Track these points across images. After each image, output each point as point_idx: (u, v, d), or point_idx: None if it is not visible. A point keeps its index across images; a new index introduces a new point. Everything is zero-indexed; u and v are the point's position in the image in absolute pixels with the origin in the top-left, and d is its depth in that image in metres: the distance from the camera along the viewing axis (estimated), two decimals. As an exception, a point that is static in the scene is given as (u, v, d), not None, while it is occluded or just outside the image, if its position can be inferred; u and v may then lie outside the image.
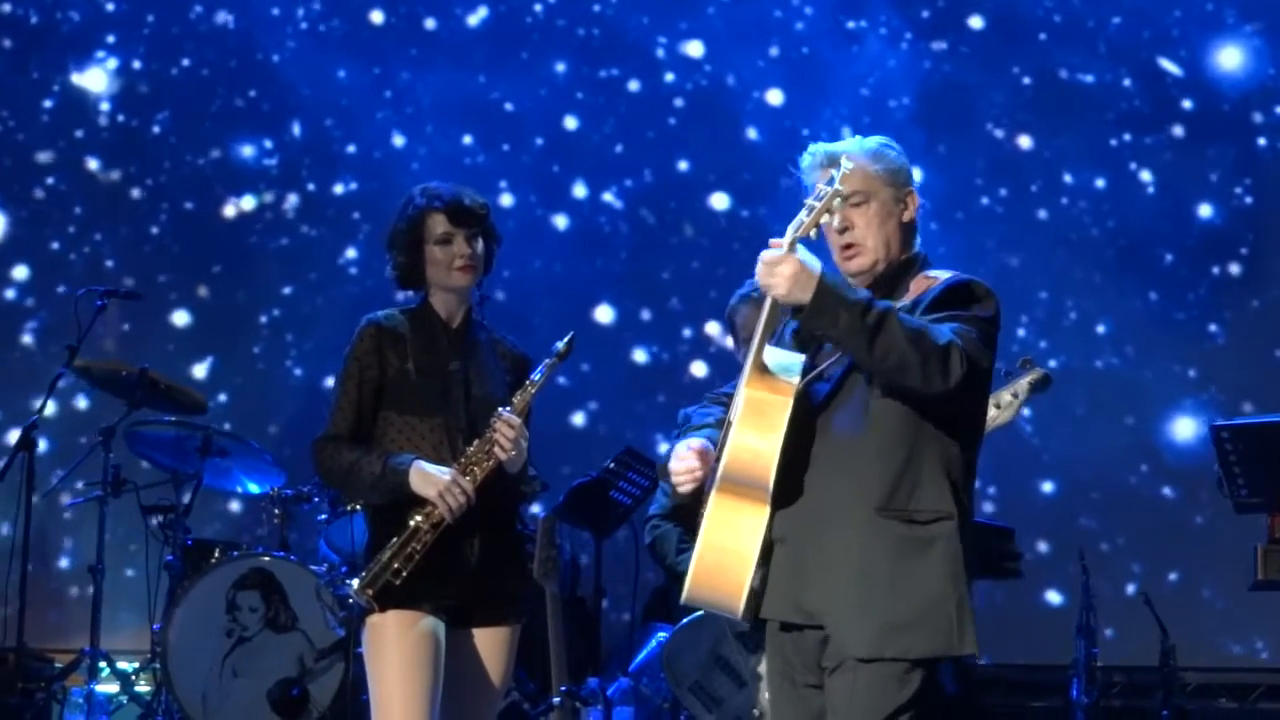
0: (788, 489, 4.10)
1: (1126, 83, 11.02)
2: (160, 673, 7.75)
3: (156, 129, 11.63)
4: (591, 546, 8.81)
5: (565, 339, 5.15)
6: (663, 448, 8.95)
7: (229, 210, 11.56)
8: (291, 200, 11.58)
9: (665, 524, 6.05)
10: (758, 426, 4.04)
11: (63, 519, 9.98)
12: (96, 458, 8.38)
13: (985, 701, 8.49)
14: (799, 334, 4.29)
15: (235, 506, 10.29)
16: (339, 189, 11.57)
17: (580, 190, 11.40)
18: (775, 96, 11.22)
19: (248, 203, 11.53)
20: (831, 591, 4.13)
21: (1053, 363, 10.27)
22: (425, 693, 5.01)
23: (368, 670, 5.08)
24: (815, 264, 4.05)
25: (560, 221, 11.35)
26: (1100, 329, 10.82)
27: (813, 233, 4.08)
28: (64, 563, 9.91)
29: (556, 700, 5.44)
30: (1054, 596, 10.22)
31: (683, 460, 4.23)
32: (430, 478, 5.02)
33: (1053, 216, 11.00)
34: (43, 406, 8.11)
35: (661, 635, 7.39)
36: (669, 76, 11.33)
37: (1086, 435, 10.31)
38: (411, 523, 5.00)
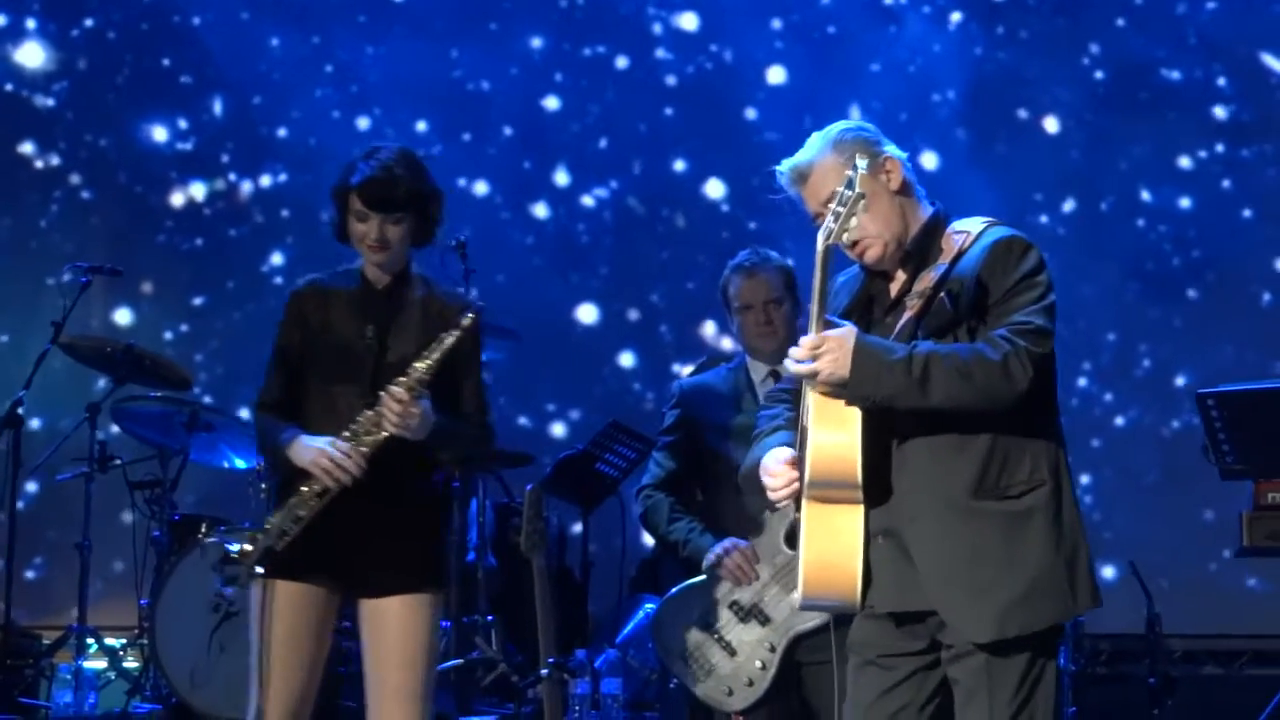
0: (876, 485, 4.39)
1: (1221, 82, 10.75)
2: (148, 648, 8.21)
3: (51, 102, 11.28)
4: (579, 519, 9.46)
5: (470, 314, 5.42)
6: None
7: (129, 202, 11.23)
8: (208, 191, 11.28)
9: (658, 494, 6.34)
10: (833, 425, 4.32)
11: (49, 495, 10.27)
12: (83, 434, 8.87)
13: None
14: (850, 315, 4.54)
15: (221, 481, 10.14)
16: (266, 180, 11.26)
17: (556, 187, 11.22)
18: (785, 81, 11.05)
19: (156, 194, 11.21)
20: (942, 578, 4.40)
21: (1120, 420, 10.32)
22: (304, 662, 5.37)
23: (250, 634, 5.41)
24: (847, 335, 4.30)
25: (532, 224, 11.21)
26: (1179, 381, 10.54)
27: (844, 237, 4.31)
28: (51, 539, 10.26)
29: (544, 672, 5.71)
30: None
31: (778, 477, 4.50)
32: (306, 448, 5.33)
33: (1126, 242, 10.70)
34: (28, 383, 8.55)
35: (649, 607, 7.94)
36: (661, 54, 11.18)
37: (1155, 508, 10.13)
38: (303, 489, 5.31)
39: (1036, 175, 10.78)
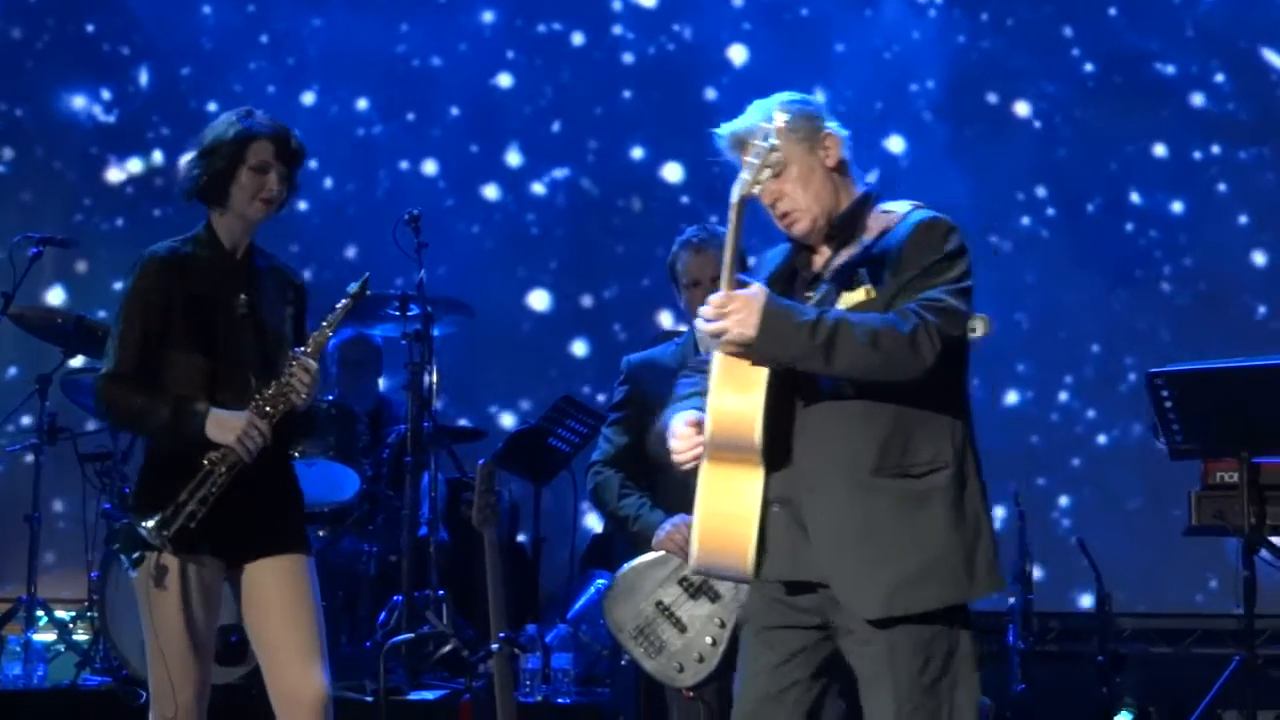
0: (779, 452, 4.54)
1: (1219, 78, 10.75)
2: (98, 621, 8.39)
3: None
4: (531, 494, 9.68)
5: (360, 280, 5.62)
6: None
7: (46, 179, 11.11)
8: (132, 169, 11.16)
9: (607, 470, 6.51)
10: (735, 387, 4.47)
11: None
12: (32, 405, 9.09)
13: None
14: (772, 286, 4.67)
15: None
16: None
17: (507, 170, 11.19)
18: (751, 64, 11.01)
19: (75, 170, 11.09)
20: (835, 553, 4.56)
21: (1102, 438, 10.38)
22: (202, 634, 5.53)
23: (143, 610, 5.54)
24: (757, 294, 4.45)
25: (480, 209, 11.14)
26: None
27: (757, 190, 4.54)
28: (0, 510, 10.20)
29: (495, 646, 5.88)
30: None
31: (683, 439, 4.62)
32: (226, 423, 5.45)
33: (1114, 247, 10.67)
34: None
35: (600, 582, 8.25)
36: (619, 31, 11.22)
37: (1139, 532, 10.11)
38: (206, 463, 5.43)
39: (1019, 173, 10.76)
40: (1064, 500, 10.24)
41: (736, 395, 4.47)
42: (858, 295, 4.59)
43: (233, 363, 5.56)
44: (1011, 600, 8.60)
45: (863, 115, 10.55)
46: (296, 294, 5.80)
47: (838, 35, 10.80)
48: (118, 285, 10.48)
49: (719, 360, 4.51)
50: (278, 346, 5.62)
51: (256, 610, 5.62)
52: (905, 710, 4.57)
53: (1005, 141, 10.73)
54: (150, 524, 5.40)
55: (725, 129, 4.79)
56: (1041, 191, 10.74)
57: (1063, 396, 10.56)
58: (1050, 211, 10.74)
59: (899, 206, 4.79)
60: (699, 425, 4.61)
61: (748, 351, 4.46)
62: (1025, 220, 10.71)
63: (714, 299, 4.46)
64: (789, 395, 4.56)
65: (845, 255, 4.68)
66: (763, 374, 4.48)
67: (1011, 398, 10.53)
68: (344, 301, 5.61)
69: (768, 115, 4.69)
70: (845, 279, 4.63)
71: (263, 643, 5.63)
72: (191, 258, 5.59)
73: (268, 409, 5.49)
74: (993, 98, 10.82)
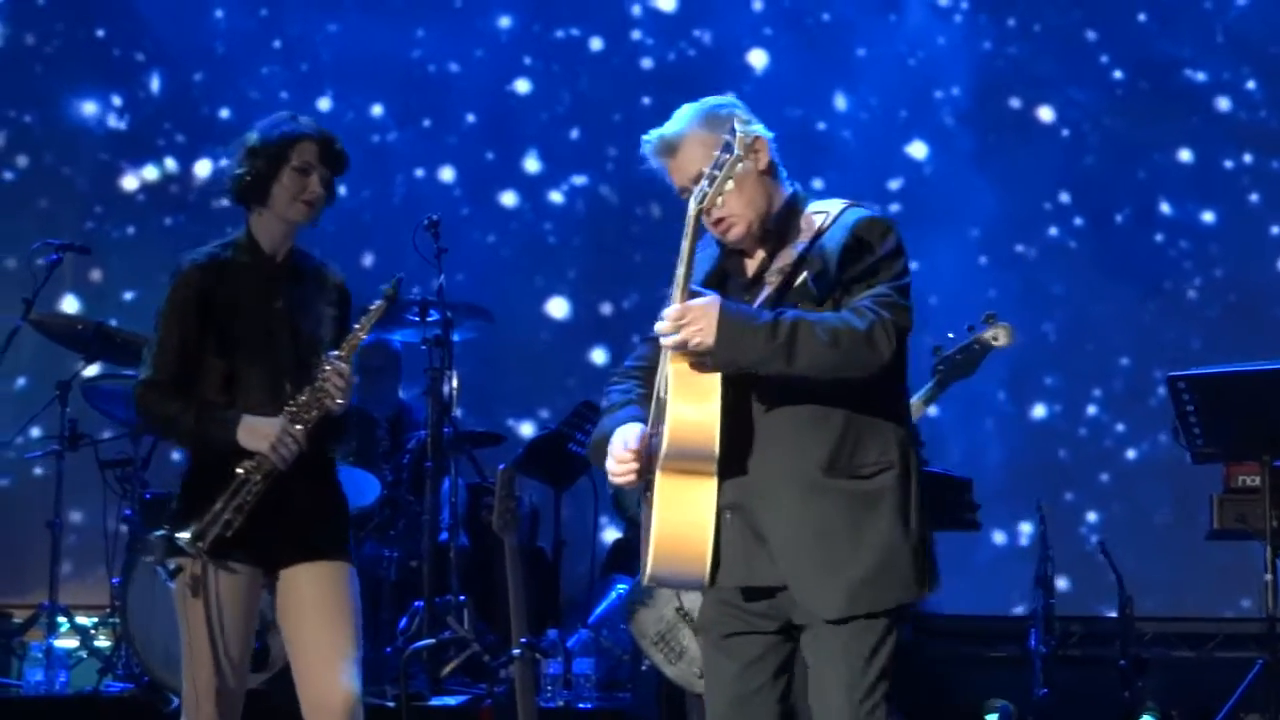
0: (730, 458, 4.61)
1: (1251, 85, 10.72)
2: (120, 627, 8.50)
3: None
4: (551, 499, 9.79)
5: (392, 281, 5.68)
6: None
7: (56, 186, 11.02)
8: (143, 178, 11.09)
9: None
10: (692, 397, 4.55)
11: (19, 474, 10.54)
12: (53, 412, 9.11)
13: (943, 651, 9.42)
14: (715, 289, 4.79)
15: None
16: (205, 167, 10.99)
17: (525, 177, 11.15)
18: (772, 70, 10.95)
19: (85, 177, 11.03)
20: (792, 555, 4.66)
21: (1131, 453, 10.37)
22: (236, 643, 5.55)
23: (180, 619, 5.57)
24: (712, 302, 4.53)
25: (497, 217, 11.10)
26: (1197, 412, 10.47)
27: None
28: (21, 517, 10.30)
29: (516, 652, 5.93)
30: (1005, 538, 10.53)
31: (622, 462, 4.70)
32: (259, 430, 5.48)
33: (1143, 258, 10.66)
34: None
35: (621, 587, 8.36)
36: (638, 36, 11.21)
37: (1167, 549, 10.11)
38: (240, 472, 5.46)
39: (1046, 183, 10.75)
40: (1092, 516, 10.17)
41: (693, 405, 4.54)
42: (799, 297, 4.65)
43: (268, 369, 5.60)
44: (1033, 605, 8.63)
45: (886, 122, 10.57)
46: (339, 295, 5.82)
47: (861, 41, 10.77)
48: (128, 295, 10.92)
49: (672, 371, 4.57)
50: (314, 351, 5.63)
51: (292, 616, 5.64)
52: (855, 699, 4.66)
53: (1032, 150, 10.71)
54: (187, 534, 5.43)
55: (655, 134, 4.82)
56: (1069, 201, 10.72)
57: (1091, 410, 10.52)
58: (1078, 221, 10.69)
59: (830, 205, 4.83)
60: (643, 445, 4.69)
61: (708, 359, 4.52)
62: (1053, 230, 10.70)
63: (669, 311, 4.52)
64: (737, 402, 4.62)
65: (782, 258, 4.73)
66: (716, 382, 4.55)
67: (1039, 411, 10.48)
68: (377, 303, 5.66)
69: (707, 124, 4.75)
70: (785, 280, 4.69)
71: (296, 648, 5.65)
72: (230, 263, 5.65)
73: (303, 415, 5.51)
74: (1019, 105, 10.81)
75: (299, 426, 5.50)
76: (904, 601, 4.74)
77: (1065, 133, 10.76)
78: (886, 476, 4.68)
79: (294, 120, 5.71)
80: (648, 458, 4.70)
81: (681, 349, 4.52)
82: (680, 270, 4.55)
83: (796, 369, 4.50)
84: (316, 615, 5.64)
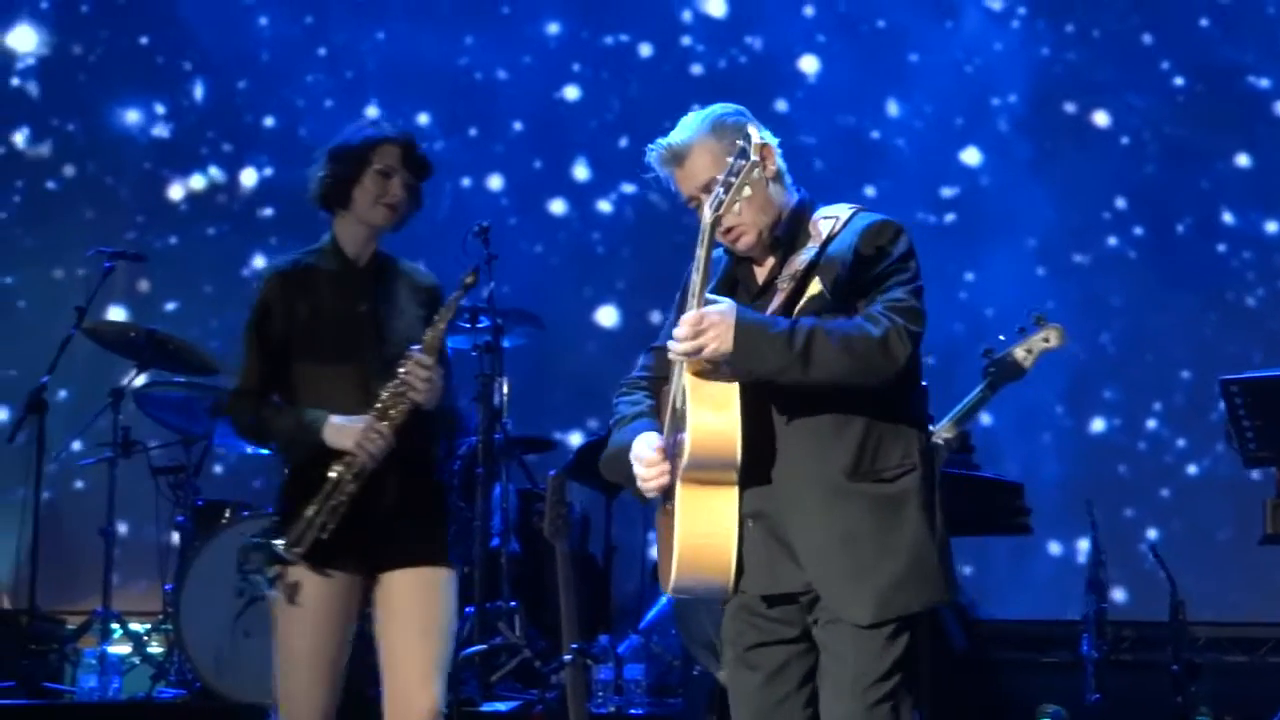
0: (750, 466, 4.62)
1: None
2: (172, 633, 8.67)
3: (15, 80, 11.17)
4: (602, 505, 9.75)
5: (471, 269, 5.70)
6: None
7: (100, 195, 11.04)
8: (187, 186, 11.13)
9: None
10: (711, 406, 4.55)
11: (73, 481, 10.66)
12: (106, 419, 9.26)
13: (996, 656, 9.44)
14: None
15: (246, 466, 10.64)
16: (249, 176, 11.15)
17: (574, 185, 11.15)
18: (825, 77, 10.94)
19: (128, 186, 11.04)
20: (819, 560, 4.66)
21: (1193, 468, 10.35)
22: (334, 659, 5.61)
23: (277, 630, 5.65)
24: (728, 310, 4.56)
25: (545, 225, 11.10)
26: (1259, 427, 10.47)
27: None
28: (75, 524, 10.49)
29: (567, 658, 6.04)
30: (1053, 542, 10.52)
31: (652, 466, 4.72)
32: (345, 429, 5.54)
33: (1204, 268, 10.59)
34: (52, 368, 9.02)
35: None
36: (687, 41, 11.18)
37: (1227, 566, 10.02)
38: (333, 474, 5.52)
39: (1105, 191, 10.70)
40: (1152, 533, 10.05)
41: (713, 414, 4.56)
42: (812, 304, 4.68)
43: (356, 372, 5.67)
44: (1085, 610, 8.64)
45: (942, 129, 10.54)
46: (428, 296, 5.86)
47: (916, 47, 10.74)
48: (170, 306, 10.93)
49: (689, 381, 4.60)
50: (403, 352, 5.67)
51: (387, 620, 5.69)
52: (867, 700, 4.67)
53: (1090, 157, 10.66)
54: (283, 540, 5.53)
55: (662, 143, 4.86)
56: (1128, 209, 10.66)
57: (1151, 424, 10.48)
58: (1138, 230, 10.64)
59: (839, 210, 4.85)
60: (663, 451, 4.73)
61: (724, 368, 4.56)
62: (1111, 240, 10.63)
63: (686, 318, 4.55)
64: (756, 409, 4.64)
65: (792, 264, 4.76)
66: (734, 391, 4.59)
67: (1097, 425, 10.40)
68: (456, 293, 5.69)
69: (715, 133, 4.77)
70: (797, 287, 4.71)
71: (387, 652, 5.69)
72: (314, 268, 5.74)
73: (389, 411, 5.55)
74: (1077, 111, 10.76)
75: (385, 423, 5.54)
76: (932, 603, 4.76)
77: (1124, 140, 10.68)
78: (910, 479, 4.71)
79: (377, 124, 5.81)
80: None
81: (697, 356, 4.54)
82: (696, 278, 4.59)
83: (812, 377, 4.54)
84: (409, 626, 5.69)
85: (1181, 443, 10.43)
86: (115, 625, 9.15)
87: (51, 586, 10.01)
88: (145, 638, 9.24)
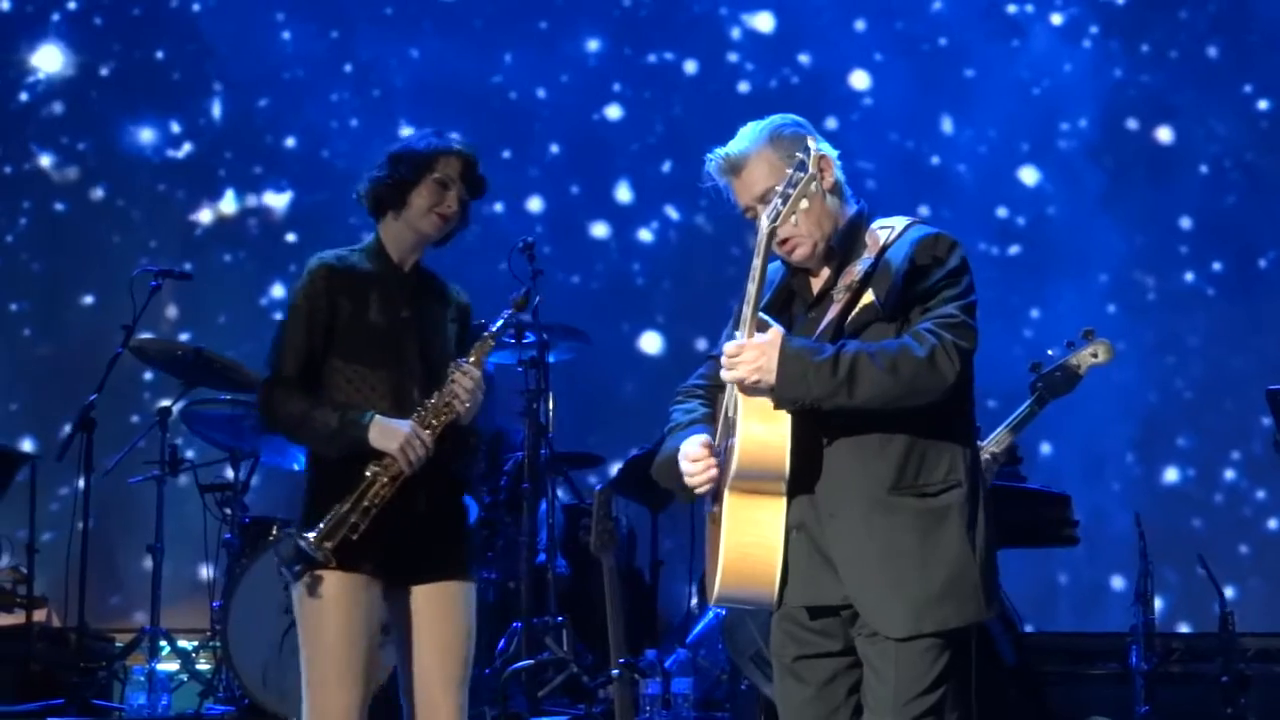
0: (796, 477, 4.76)
1: None
2: (220, 650, 8.95)
3: (24, 96, 11.21)
4: (648, 519, 10.01)
5: (522, 290, 5.95)
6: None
7: (106, 218, 11.07)
8: (204, 212, 11.16)
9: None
10: (762, 416, 4.69)
11: (121, 499, 10.68)
12: (154, 437, 9.50)
13: (1043, 669, 9.43)
14: (770, 309, 4.97)
15: (293, 483, 10.32)
16: (271, 199, 11.19)
17: (616, 208, 11.14)
18: (881, 98, 10.93)
19: (141, 209, 11.06)
20: (858, 572, 4.77)
21: (1273, 523, 10.35)
22: (361, 657, 5.70)
23: (301, 628, 5.78)
24: (774, 339, 4.70)
25: (583, 252, 11.10)
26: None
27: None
28: (123, 541, 10.83)
29: (615, 672, 6.22)
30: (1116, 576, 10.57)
31: (699, 461, 4.84)
32: (390, 431, 5.65)
33: None
34: (100, 386, 9.18)
35: None
36: (734, 59, 11.22)
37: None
38: (368, 474, 5.65)
39: (1181, 223, 10.68)
40: (1229, 592, 9.67)
41: (763, 424, 4.70)
42: (865, 314, 4.79)
43: (396, 374, 5.81)
44: (1133, 621, 8.75)
45: (1006, 154, 10.47)
46: (460, 313, 6.04)
47: (979, 67, 10.78)
48: (184, 337, 10.69)
49: (740, 393, 4.75)
50: (441, 361, 5.84)
51: (408, 633, 5.83)
52: (906, 715, 4.75)
53: (1166, 187, 10.64)
54: (311, 535, 5.64)
55: (720, 153, 4.96)
56: (1207, 243, 10.62)
57: (1229, 475, 10.42)
58: (1216, 266, 10.61)
59: (895, 222, 4.97)
60: (710, 448, 4.86)
61: (769, 398, 4.69)
62: (1188, 276, 10.60)
63: (729, 347, 4.71)
64: (802, 422, 4.76)
65: (848, 275, 4.86)
66: None
67: (1171, 475, 10.30)
68: (506, 313, 5.89)
69: (772, 144, 4.87)
70: (852, 297, 4.82)
71: (409, 665, 5.84)
72: (359, 268, 5.88)
73: (432, 420, 5.70)
74: (1153, 137, 10.76)
75: (427, 431, 5.69)
76: (970, 620, 4.84)
77: (1203, 168, 10.68)
78: (954, 494, 4.81)
79: (443, 135, 5.97)
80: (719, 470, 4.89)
81: (741, 384, 4.68)
82: (752, 288, 4.68)
83: (858, 402, 4.66)
84: (432, 637, 5.84)
85: (1261, 495, 10.39)
86: (163, 642, 9.44)
87: (100, 604, 10.32)
88: (193, 655, 9.57)
